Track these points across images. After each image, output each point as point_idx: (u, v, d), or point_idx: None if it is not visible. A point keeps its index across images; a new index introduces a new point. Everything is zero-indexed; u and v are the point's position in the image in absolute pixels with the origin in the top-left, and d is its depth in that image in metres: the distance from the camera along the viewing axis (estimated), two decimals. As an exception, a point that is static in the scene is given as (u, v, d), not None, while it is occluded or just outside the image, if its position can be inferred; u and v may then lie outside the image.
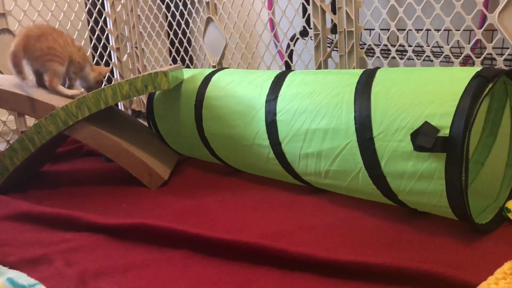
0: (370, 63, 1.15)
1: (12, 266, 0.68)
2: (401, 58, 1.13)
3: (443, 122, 0.65)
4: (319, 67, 1.23)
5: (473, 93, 0.65)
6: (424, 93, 0.70)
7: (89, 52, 1.73)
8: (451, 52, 1.02)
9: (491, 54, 0.99)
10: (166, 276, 0.63)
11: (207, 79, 1.09)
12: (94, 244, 0.74)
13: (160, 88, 1.00)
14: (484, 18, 1.02)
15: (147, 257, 0.68)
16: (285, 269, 0.62)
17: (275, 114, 0.90)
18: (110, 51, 1.74)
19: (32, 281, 0.63)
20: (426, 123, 0.67)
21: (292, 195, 0.91)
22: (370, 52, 1.29)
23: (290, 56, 1.37)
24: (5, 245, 0.74)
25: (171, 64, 1.37)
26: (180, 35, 1.58)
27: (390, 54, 1.11)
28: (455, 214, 0.69)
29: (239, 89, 1.00)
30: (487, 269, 0.57)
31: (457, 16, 0.98)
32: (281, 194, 0.92)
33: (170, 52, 1.65)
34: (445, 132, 0.65)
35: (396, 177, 0.72)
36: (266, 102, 0.92)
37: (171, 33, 1.62)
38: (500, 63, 0.98)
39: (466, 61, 1.15)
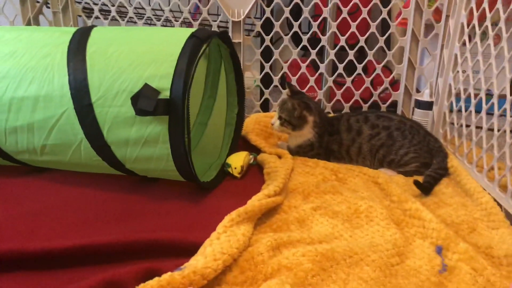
0: (90, 22, 1.04)
1: None
2: (122, 20, 1.07)
3: (163, 83, 0.63)
4: (28, 25, 1.03)
5: (189, 53, 0.65)
6: (143, 54, 0.66)
7: None
8: (172, 16, 1.02)
9: (208, 19, 1.04)
10: None
11: None
12: None
13: None
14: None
15: None
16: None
17: (-37, 80, 0.70)
18: None
19: None
20: (146, 86, 0.63)
21: (2, 179, 0.75)
22: (90, 11, 1.17)
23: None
24: None
25: None
26: None
27: (111, 14, 1.02)
28: (182, 176, 0.70)
29: None
30: (213, 226, 0.58)
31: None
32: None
33: None
34: (166, 94, 0.62)
35: (121, 145, 0.67)
36: (-51, 65, 0.70)
37: None
38: (214, 28, 1.04)
39: (188, 26, 1.18)
